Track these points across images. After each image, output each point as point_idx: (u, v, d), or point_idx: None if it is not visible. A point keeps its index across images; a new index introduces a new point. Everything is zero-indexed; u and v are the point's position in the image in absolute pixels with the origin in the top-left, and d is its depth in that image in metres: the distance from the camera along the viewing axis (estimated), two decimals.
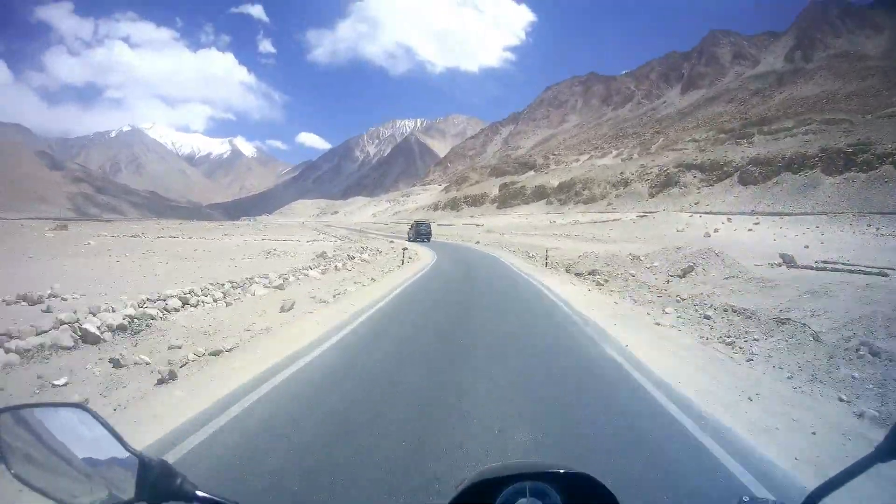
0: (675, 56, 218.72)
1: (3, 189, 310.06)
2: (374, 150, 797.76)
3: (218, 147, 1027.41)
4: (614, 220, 55.29)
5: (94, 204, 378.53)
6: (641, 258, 17.26)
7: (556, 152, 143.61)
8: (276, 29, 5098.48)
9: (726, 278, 13.04)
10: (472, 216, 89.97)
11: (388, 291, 10.69)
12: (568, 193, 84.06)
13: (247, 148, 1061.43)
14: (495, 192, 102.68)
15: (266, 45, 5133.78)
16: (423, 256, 22.10)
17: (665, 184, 71.20)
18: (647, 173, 77.06)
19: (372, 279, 12.86)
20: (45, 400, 3.91)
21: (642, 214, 56.04)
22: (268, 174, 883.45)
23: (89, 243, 24.64)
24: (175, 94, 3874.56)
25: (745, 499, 0.74)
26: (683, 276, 13.99)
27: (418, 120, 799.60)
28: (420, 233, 40.90)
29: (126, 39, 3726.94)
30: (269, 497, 2.56)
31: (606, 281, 13.59)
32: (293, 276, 12.12)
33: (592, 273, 15.16)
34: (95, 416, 0.74)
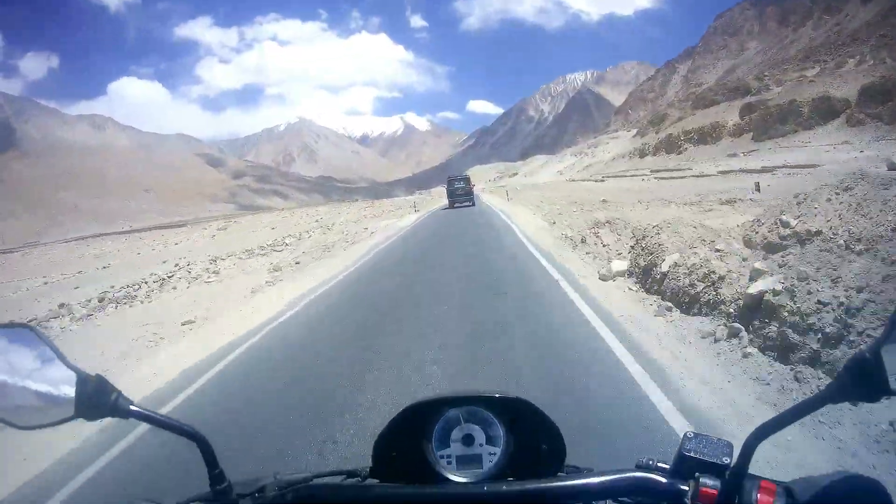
0: None
1: (172, 193, 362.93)
2: (549, 107, 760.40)
3: (389, 125, 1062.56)
4: None
5: (258, 194, 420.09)
6: None
7: (766, 73, 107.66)
8: (422, 2, 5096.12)
9: None
10: (731, 154, 63.68)
11: None
12: (890, 105, 52.36)
13: (419, 122, 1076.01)
14: (734, 119, 73.10)
15: (416, 21, 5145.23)
16: None
17: None
18: None
19: None
20: None
21: None
22: (443, 145, 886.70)
23: None
24: (336, 82, 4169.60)
25: (690, 434, 0.74)
26: None
27: (587, 72, 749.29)
28: (456, 194, 30.32)
29: (274, 38, 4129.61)
30: None
31: None
32: None
33: None
34: (39, 335, 0.75)
